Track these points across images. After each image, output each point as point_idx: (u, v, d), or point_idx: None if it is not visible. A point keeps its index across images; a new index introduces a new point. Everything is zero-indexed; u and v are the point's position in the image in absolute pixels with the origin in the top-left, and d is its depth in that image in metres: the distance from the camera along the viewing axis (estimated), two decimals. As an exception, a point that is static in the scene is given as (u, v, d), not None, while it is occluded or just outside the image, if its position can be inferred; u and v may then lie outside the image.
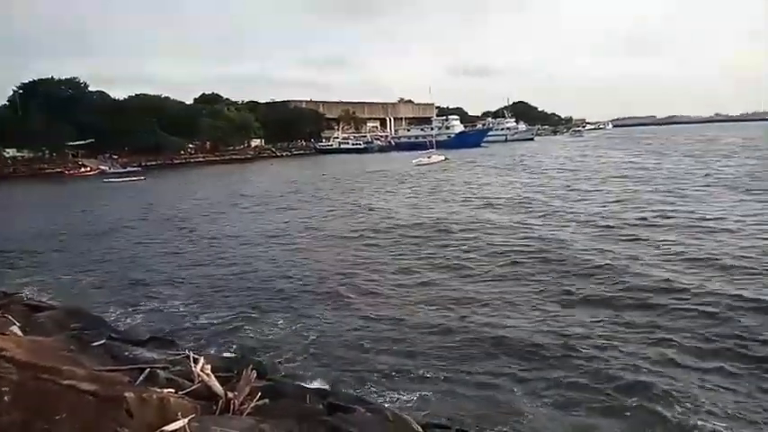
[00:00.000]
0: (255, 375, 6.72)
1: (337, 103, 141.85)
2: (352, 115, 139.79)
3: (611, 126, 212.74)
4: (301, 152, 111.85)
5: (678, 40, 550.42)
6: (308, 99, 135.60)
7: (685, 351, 8.83)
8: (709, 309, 10.38)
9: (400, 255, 16.65)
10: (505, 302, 11.64)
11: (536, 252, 15.47)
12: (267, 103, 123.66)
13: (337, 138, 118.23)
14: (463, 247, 16.70)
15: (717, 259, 13.67)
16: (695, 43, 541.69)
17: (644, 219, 19.67)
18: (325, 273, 14.85)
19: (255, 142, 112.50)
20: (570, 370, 8.40)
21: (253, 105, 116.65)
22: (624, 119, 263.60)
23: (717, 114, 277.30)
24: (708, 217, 19.35)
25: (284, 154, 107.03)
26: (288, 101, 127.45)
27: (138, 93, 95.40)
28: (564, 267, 13.83)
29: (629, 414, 7.10)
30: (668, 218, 19.75)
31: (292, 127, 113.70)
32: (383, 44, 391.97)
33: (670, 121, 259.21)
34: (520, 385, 8.03)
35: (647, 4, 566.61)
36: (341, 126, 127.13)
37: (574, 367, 8.47)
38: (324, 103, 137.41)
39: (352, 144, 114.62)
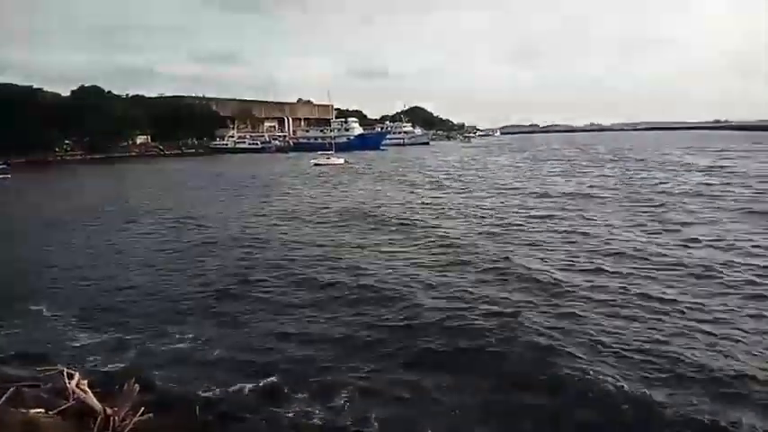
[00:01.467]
0: (138, 389, 6.35)
1: (232, 100, 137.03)
2: (248, 114, 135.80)
3: (499, 133, 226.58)
4: (192, 151, 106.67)
5: (558, 56, 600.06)
6: (201, 95, 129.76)
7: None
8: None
9: (279, 263, 16.28)
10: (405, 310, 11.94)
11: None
12: (155, 97, 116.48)
13: (232, 137, 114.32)
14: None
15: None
16: (571, 60, 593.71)
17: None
18: (208, 285, 14.07)
19: (141, 139, 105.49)
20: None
21: (138, 100, 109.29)
22: (511, 126, 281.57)
23: (591, 124, 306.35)
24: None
25: (174, 152, 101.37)
26: (178, 96, 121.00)
27: (4, 82, 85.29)
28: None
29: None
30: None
31: (183, 124, 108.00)
32: (282, 42, 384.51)
33: (551, 129, 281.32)
34: (435, 393, 8.06)
35: (533, 21, 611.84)
36: (236, 125, 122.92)
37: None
38: (218, 100, 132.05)
39: (249, 144, 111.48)
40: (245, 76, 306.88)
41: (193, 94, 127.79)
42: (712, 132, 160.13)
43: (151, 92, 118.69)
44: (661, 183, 33.23)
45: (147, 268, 16.09)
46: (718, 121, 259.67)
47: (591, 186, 32.54)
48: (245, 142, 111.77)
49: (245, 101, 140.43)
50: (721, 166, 42.67)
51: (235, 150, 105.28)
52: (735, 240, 16.41)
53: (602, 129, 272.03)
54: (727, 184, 31.35)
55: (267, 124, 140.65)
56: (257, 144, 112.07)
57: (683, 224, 19.47)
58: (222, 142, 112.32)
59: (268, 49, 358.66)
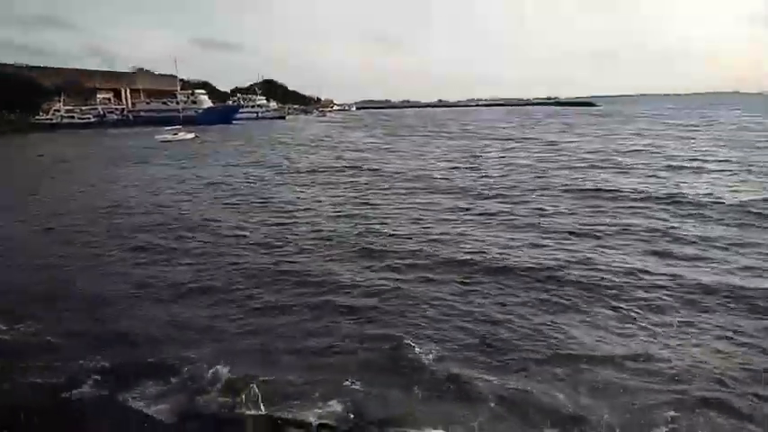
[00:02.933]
0: None
1: (56, 69, 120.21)
2: (78, 85, 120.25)
3: (355, 108, 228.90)
4: (9, 128, 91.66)
5: (409, 39, 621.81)
6: (12, 63, 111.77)
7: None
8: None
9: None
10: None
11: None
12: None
13: (59, 111, 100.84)
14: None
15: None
16: (419, 43, 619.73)
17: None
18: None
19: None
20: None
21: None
22: (367, 101, 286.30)
23: (439, 100, 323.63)
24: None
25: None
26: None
27: None
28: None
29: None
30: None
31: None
32: (118, 7, 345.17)
33: (404, 105, 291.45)
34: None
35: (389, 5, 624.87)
36: (62, 97, 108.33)
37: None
38: (40, 69, 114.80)
39: (79, 118, 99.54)
40: (75, 44, 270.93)
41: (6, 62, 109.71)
42: (547, 108, 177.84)
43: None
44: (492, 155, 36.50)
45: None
46: (549, 98, 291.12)
47: (443, 161, 34.25)
48: (74, 117, 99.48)
49: (75, 70, 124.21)
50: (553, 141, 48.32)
51: (62, 126, 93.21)
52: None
53: (448, 105, 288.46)
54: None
55: (101, 96, 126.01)
56: (89, 118, 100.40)
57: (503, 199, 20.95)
58: (46, 117, 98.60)
59: (100, 14, 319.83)
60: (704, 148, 35.04)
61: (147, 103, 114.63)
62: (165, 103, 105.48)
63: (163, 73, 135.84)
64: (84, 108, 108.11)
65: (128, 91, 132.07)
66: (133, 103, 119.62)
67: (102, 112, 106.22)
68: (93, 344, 8.54)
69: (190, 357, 7.91)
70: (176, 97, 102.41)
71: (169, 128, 65.46)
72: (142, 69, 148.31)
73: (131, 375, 7.47)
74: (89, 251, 14.24)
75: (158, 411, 6.73)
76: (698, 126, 59.66)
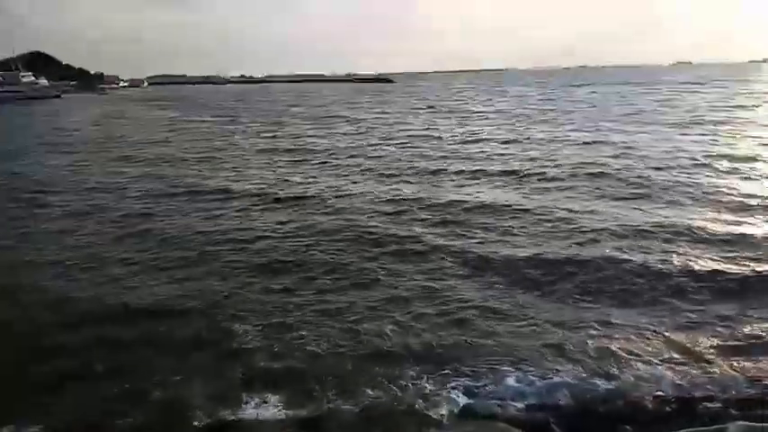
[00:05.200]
0: None
1: None
2: None
3: (147, 84, 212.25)
4: None
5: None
6: None
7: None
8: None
9: None
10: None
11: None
12: None
13: None
14: None
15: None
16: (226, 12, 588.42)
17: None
18: None
19: None
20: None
21: None
22: (161, 76, 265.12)
23: (242, 76, 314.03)
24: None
25: None
26: None
27: None
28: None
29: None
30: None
31: None
32: None
33: (203, 81, 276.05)
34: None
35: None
36: None
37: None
38: None
39: None
40: None
41: None
42: (343, 84, 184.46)
43: None
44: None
45: None
46: (349, 74, 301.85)
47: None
48: None
49: None
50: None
51: None
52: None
53: (253, 81, 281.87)
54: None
55: None
56: None
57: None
58: None
59: None
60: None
61: None
62: None
63: None
64: None
65: None
66: None
67: None
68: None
69: None
70: None
71: None
72: None
73: None
74: None
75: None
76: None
